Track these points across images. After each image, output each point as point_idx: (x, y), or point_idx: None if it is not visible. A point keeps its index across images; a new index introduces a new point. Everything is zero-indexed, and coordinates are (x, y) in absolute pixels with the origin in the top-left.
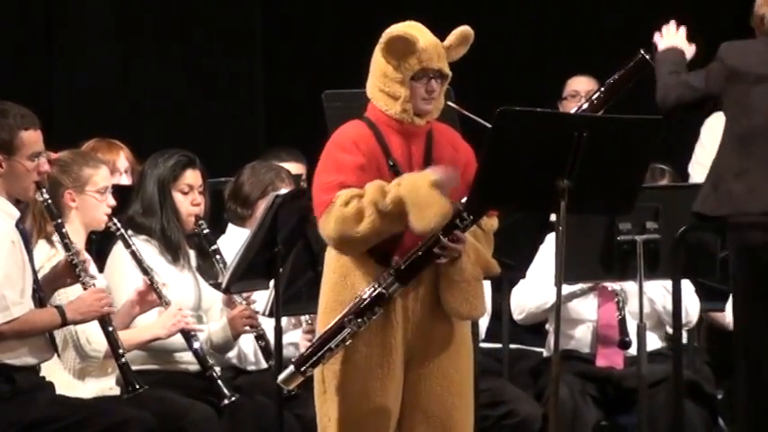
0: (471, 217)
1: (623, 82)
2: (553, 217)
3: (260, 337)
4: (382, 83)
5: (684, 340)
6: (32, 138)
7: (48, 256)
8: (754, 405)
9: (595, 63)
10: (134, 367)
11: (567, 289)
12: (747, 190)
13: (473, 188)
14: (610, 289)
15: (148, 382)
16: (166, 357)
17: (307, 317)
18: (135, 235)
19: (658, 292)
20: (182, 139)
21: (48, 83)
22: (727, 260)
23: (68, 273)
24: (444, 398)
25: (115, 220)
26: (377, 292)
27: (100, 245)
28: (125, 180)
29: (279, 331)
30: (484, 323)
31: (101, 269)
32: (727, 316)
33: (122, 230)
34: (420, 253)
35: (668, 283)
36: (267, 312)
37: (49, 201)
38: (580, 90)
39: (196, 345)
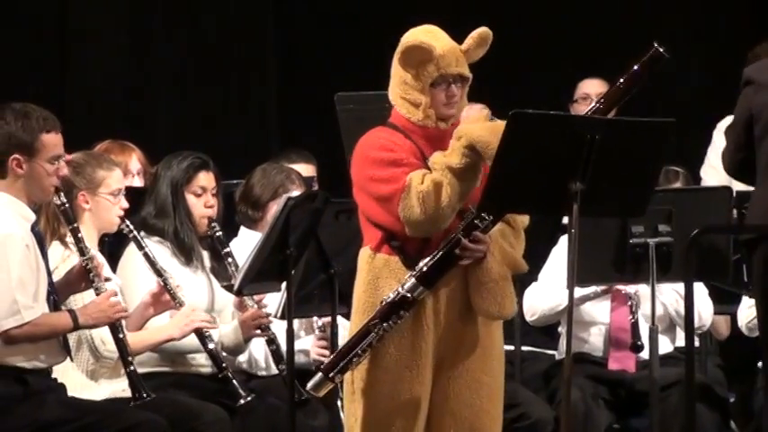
0: (491, 217)
1: (639, 76)
2: (566, 219)
3: (270, 341)
4: (403, 90)
5: (696, 343)
6: (53, 141)
7: (62, 257)
8: None
9: (606, 66)
10: (146, 369)
11: (579, 292)
12: None
13: (485, 191)
14: (623, 292)
15: (161, 385)
16: (179, 359)
17: (319, 323)
18: (148, 237)
19: (670, 295)
20: (194, 142)
21: (60, 84)
22: (740, 264)
23: (82, 277)
24: (473, 401)
25: (128, 222)
26: (400, 295)
27: (113, 246)
28: (137, 182)
29: (291, 333)
30: None
31: (113, 271)
32: (740, 320)
33: (135, 232)
34: (441, 255)
35: (680, 287)
36: (279, 315)
37: (67, 204)
38: (591, 93)
39: (211, 345)
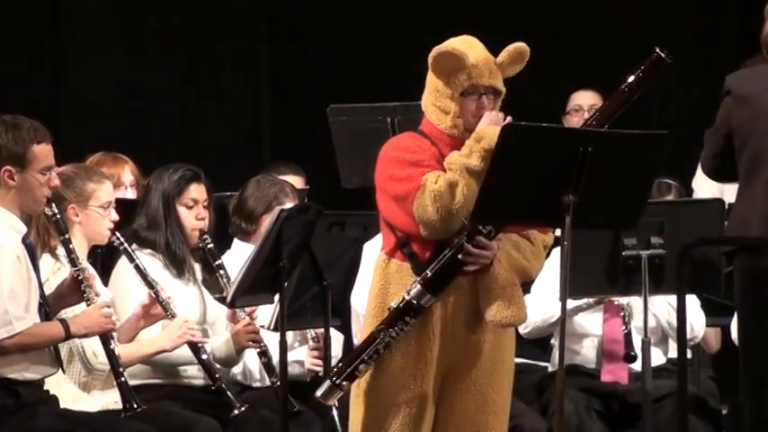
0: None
1: (640, 83)
2: (558, 232)
3: (263, 353)
4: (434, 97)
5: (689, 355)
6: (44, 152)
7: (53, 269)
8: (760, 426)
9: (599, 77)
10: (139, 381)
11: (572, 303)
12: (751, 213)
13: (477, 202)
14: (616, 303)
15: (153, 396)
16: (171, 371)
17: (312, 333)
18: (139, 249)
19: (662, 307)
20: (187, 154)
21: (54, 96)
22: (732, 276)
23: (74, 288)
24: (478, 417)
25: (118, 235)
26: (405, 301)
27: (105, 259)
28: (130, 194)
29: (284, 346)
30: None
31: (105, 283)
32: (734, 332)
33: (125, 245)
34: (445, 260)
35: (672, 299)
36: (272, 327)
37: (58, 216)
38: (583, 104)
39: (204, 356)
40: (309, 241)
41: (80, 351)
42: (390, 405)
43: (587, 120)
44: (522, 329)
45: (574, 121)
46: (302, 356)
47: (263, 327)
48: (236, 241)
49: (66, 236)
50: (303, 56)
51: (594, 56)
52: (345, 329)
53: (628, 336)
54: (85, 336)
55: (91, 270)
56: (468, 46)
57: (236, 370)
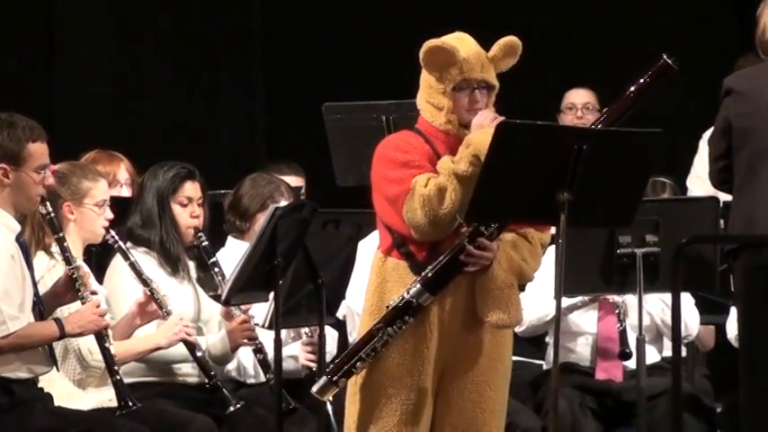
0: (496, 224)
1: (646, 88)
2: (553, 230)
3: (258, 350)
4: (428, 94)
5: (683, 353)
6: (40, 150)
7: (47, 267)
8: (759, 424)
9: (593, 75)
10: (133, 379)
11: (567, 301)
12: (758, 208)
13: (472, 200)
14: (611, 301)
15: (148, 394)
16: (166, 369)
17: (306, 329)
18: (134, 247)
19: (657, 305)
20: (182, 152)
21: (48, 94)
22: (727, 273)
23: (69, 287)
24: (475, 415)
25: (113, 233)
26: (404, 300)
27: (100, 257)
28: (125, 192)
29: (278, 343)
30: None
31: (100, 281)
32: (729, 332)
33: (120, 243)
34: (445, 261)
35: (667, 297)
36: (267, 325)
37: (53, 214)
38: (577, 102)
39: (199, 353)
40: (304, 239)
41: (76, 349)
42: (387, 402)
43: (592, 125)
44: (518, 328)
45: (568, 118)
46: (296, 351)
47: (257, 325)
48: (230, 239)
49: (61, 234)
50: (298, 54)
51: (589, 54)
52: (339, 327)
53: (622, 333)
54: (80, 334)
55: (85, 268)
56: (459, 41)
57: (231, 366)
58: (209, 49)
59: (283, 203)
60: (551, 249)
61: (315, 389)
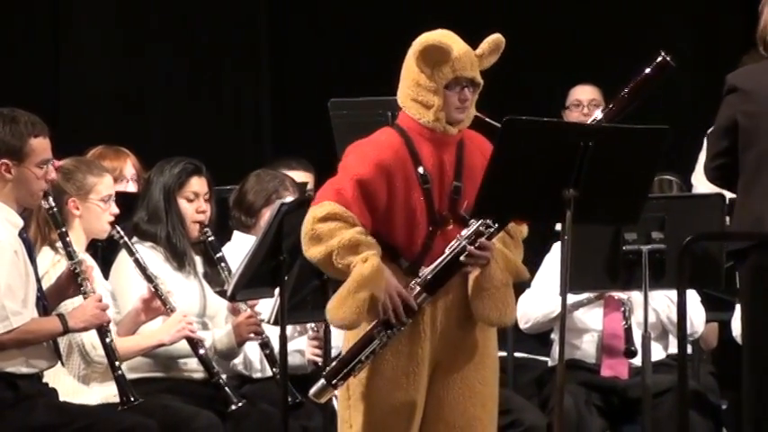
0: (496, 224)
1: (644, 85)
2: (559, 226)
3: (264, 344)
4: (415, 92)
5: (689, 350)
6: (42, 145)
7: (52, 262)
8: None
9: (599, 72)
10: (139, 375)
11: (572, 298)
12: (762, 209)
13: (478, 197)
14: (616, 298)
15: (153, 390)
16: (171, 365)
17: (312, 324)
18: (140, 242)
19: (662, 302)
20: (188, 147)
21: (53, 90)
22: (733, 271)
23: (71, 282)
24: (467, 409)
25: (118, 228)
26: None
27: (106, 252)
28: (132, 187)
29: (284, 339)
30: None
31: (106, 277)
32: (734, 329)
33: (125, 238)
34: (446, 262)
35: (672, 294)
36: (272, 321)
37: (55, 209)
38: (583, 99)
39: (202, 351)
40: None
41: (79, 344)
42: (384, 404)
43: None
44: (523, 324)
45: (573, 115)
46: (302, 346)
47: (263, 321)
48: (236, 233)
49: (63, 229)
50: (304, 49)
51: (595, 51)
52: None
53: (628, 331)
54: (84, 329)
55: (90, 261)
56: (450, 39)
57: (237, 361)
58: (215, 45)
59: (289, 199)
60: (557, 246)
61: (312, 392)
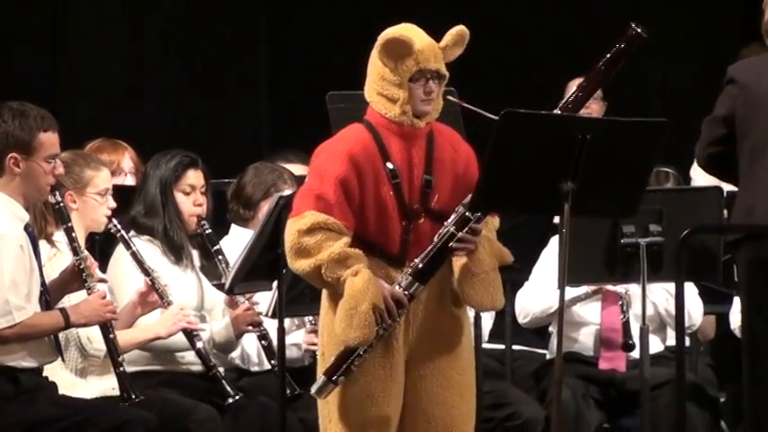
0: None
1: (616, 59)
2: (557, 219)
3: (262, 336)
4: (380, 86)
5: (687, 343)
6: (51, 140)
7: (49, 256)
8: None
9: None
10: (137, 368)
11: (571, 293)
12: (755, 201)
13: (476, 190)
14: (614, 292)
15: (152, 383)
16: (169, 358)
17: (310, 317)
18: (137, 235)
19: (660, 295)
20: (187, 140)
21: (52, 82)
22: (730, 263)
23: (75, 277)
24: (445, 398)
25: (115, 222)
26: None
27: (104, 246)
28: (130, 180)
29: (282, 332)
30: (487, 324)
31: (103, 270)
32: (732, 321)
33: (123, 232)
34: (436, 250)
35: (671, 287)
36: (270, 313)
37: (62, 203)
38: None
39: (199, 344)
40: None
41: (75, 337)
42: (360, 397)
43: (567, 99)
44: (521, 319)
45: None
46: (299, 339)
47: (260, 314)
48: (233, 226)
49: (69, 224)
50: (302, 41)
51: (591, 43)
52: None
53: (626, 325)
54: (86, 325)
55: (91, 258)
56: (412, 32)
57: (235, 354)
58: (213, 38)
59: (287, 192)
60: (555, 239)
61: (314, 390)
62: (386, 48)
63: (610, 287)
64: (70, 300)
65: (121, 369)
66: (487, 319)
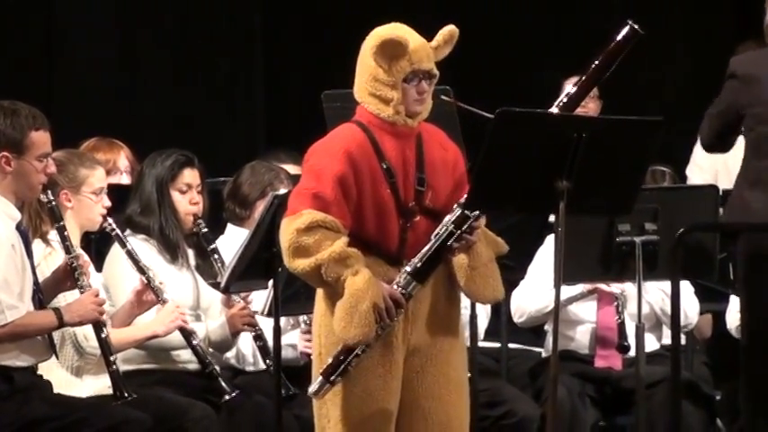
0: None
1: (615, 55)
2: (552, 218)
3: (258, 336)
4: (372, 86)
5: (683, 341)
6: (42, 138)
7: (43, 254)
8: (759, 414)
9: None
10: (133, 366)
11: (566, 293)
12: (761, 197)
13: (472, 189)
14: (609, 292)
15: (147, 382)
16: (165, 356)
17: (305, 317)
18: (133, 234)
19: (656, 294)
20: (182, 139)
21: (48, 82)
22: (726, 262)
23: (68, 276)
24: (442, 395)
25: (110, 221)
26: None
27: (100, 244)
28: (125, 179)
29: (277, 331)
30: (483, 323)
31: (99, 269)
32: (729, 321)
33: (118, 230)
34: (435, 249)
35: (666, 286)
36: (265, 312)
37: (54, 202)
38: None
39: (195, 341)
40: None
41: (71, 335)
42: (360, 396)
43: (562, 97)
44: (517, 318)
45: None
46: (295, 340)
47: (256, 312)
48: (229, 226)
49: (62, 223)
50: (298, 40)
51: (587, 41)
52: None
53: (621, 326)
54: (79, 324)
55: (85, 257)
56: (405, 31)
57: (230, 354)
58: (208, 36)
59: (283, 191)
60: (550, 238)
61: (311, 390)
62: (381, 48)
63: (605, 288)
64: (65, 298)
65: (114, 368)
66: (483, 318)
